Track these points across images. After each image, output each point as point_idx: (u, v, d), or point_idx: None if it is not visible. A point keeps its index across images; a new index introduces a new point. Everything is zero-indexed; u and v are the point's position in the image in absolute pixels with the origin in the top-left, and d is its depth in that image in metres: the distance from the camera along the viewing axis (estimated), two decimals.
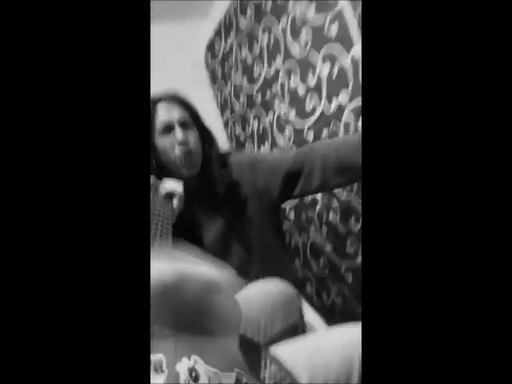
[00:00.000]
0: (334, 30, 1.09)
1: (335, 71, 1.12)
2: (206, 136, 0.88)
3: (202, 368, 0.40)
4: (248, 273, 0.87)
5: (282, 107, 1.39)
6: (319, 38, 1.14)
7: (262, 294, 0.75)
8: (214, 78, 1.80)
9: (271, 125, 1.47)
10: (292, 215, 1.46)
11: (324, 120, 1.20)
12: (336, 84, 1.13)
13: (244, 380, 0.41)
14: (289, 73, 1.31)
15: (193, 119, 0.85)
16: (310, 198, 1.34)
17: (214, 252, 0.84)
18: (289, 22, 1.26)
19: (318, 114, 1.22)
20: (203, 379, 0.38)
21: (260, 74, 1.46)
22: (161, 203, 0.72)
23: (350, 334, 0.53)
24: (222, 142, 1.80)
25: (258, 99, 1.51)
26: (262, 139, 1.55)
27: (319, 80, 1.18)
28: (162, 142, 0.82)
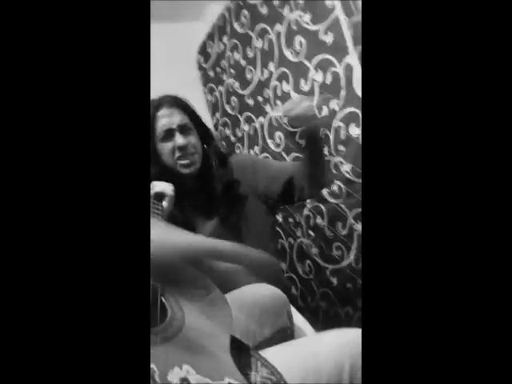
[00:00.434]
0: (328, 38, 1.11)
1: (328, 78, 1.14)
2: (205, 136, 0.91)
3: (194, 377, 0.40)
4: (238, 267, 0.89)
5: (275, 110, 1.40)
6: (314, 45, 1.17)
7: (251, 299, 0.76)
8: (205, 80, 1.81)
9: (262, 128, 1.49)
10: (280, 218, 1.47)
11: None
12: (329, 90, 1.15)
13: None
14: (281, 78, 1.33)
15: (193, 121, 0.88)
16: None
17: None
18: (284, 29, 1.28)
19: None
20: None
21: (252, 78, 1.48)
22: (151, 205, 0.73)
23: (342, 339, 0.54)
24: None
25: (250, 102, 1.52)
26: (252, 142, 1.56)
27: (312, 86, 1.20)
28: (162, 146, 0.86)
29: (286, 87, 1.32)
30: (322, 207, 1.25)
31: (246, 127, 1.59)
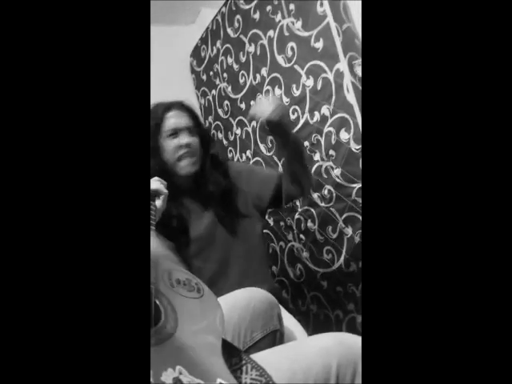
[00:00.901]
0: (319, 44, 1.13)
1: (319, 84, 1.16)
2: (206, 141, 0.98)
3: (186, 379, 0.40)
4: (229, 268, 0.93)
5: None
6: (305, 52, 1.18)
7: (242, 302, 0.76)
8: (198, 84, 1.81)
9: (254, 132, 1.50)
10: (271, 222, 1.48)
11: (307, 129, 1.23)
12: (320, 96, 1.17)
13: None
14: (273, 83, 1.35)
15: (196, 126, 0.97)
16: (289, 205, 1.37)
17: (200, 244, 0.92)
18: (276, 34, 1.30)
19: (300, 124, 1.26)
20: None
21: (245, 82, 1.49)
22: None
23: (330, 340, 0.55)
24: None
25: (243, 106, 1.53)
26: (244, 146, 1.57)
27: (303, 92, 1.22)
28: (168, 143, 0.93)
29: (278, 92, 1.33)
30: (313, 211, 1.26)
31: (238, 131, 1.59)
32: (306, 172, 0.98)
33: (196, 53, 1.79)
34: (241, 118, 1.56)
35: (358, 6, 1.10)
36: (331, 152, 1.16)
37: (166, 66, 1.62)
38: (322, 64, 1.14)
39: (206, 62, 1.72)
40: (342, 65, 1.07)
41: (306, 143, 1.24)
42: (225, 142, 1.68)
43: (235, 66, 1.53)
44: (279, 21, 1.28)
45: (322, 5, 1.10)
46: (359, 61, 1.07)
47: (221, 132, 1.71)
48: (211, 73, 1.69)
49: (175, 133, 0.92)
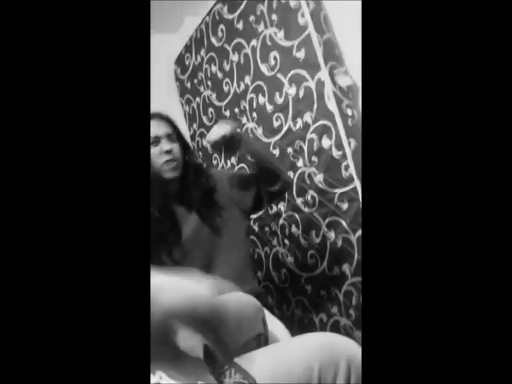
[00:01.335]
0: (301, 54, 1.16)
1: (301, 92, 1.19)
2: (186, 148, 1.05)
3: (166, 382, 0.41)
4: (215, 267, 0.96)
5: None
6: (287, 61, 1.21)
7: (226, 307, 0.77)
8: (182, 91, 1.82)
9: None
10: (256, 227, 1.49)
11: (290, 136, 1.26)
12: (302, 104, 1.19)
13: None
14: (257, 91, 1.37)
15: (175, 133, 1.03)
16: (274, 210, 1.39)
17: (188, 246, 0.96)
18: (259, 44, 1.33)
19: (284, 131, 1.28)
20: None
21: (229, 90, 1.51)
22: None
23: (312, 343, 0.56)
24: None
25: (227, 113, 1.55)
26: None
27: (286, 99, 1.25)
28: (151, 151, 0.99)
29: (262, 100, 1.36)
30: (297, 216, 1.28)
31: None
32: (275, 168, 1.03)
33: (180, 61, 1.80)
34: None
35: (339, 16, 1.13)
36: (314, 158, 1.19)
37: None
38: (304, 73, 1.17)
39: (190, 69, 1.74)
40: (323, 74, 1.11)
41: (290, 150, 1.27)
42: (210, 148, 1.69)
43: (219, 74, 1.55)
44: (262, 31, 1.30)
45: (303, 15, 1.14)
46: (339, 70, 1.11)
47: (205, 139, 1.71)
48: (195, 80, 1.71)
49: (156, 140, 0.98)
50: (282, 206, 1.34)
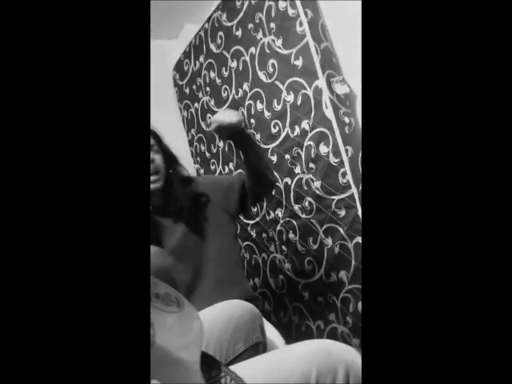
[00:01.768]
0: (299, 62, 1.17)
1: (299, 99, 1.20)
2: (170, 160, 1.02)
3: None
4: (204, 273, 0.96)
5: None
6: (285, 69, 1.22)
7: (223, 315, 0.77)
8: (181, 97, 1.83)
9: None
10: (253, 233, 1.49)
11: (288, 143, 1.27)
12: (300, 111, 1.20)
13: None
14: (255, 98, 1.38)
15: (158, 144, 1.01)
16: (271, 216, 1.39)
17: (176, 256, 0.94)
18: (257, 51, 1.34)
19: (281, 137, 1.29)
20: None
21: (228, 96, 1.52)
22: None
23: (309, 349, 0.56)
24: (188, 161, 1.82)
25: None
26: (226, 160, 1.59)
27: (284, 106, 1.26)
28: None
29: (260, 106, 1.36)
30: (294, 222, 1.29)
31: (220, 144, 1.62)
32: (266, 167, 1.03)
33: (179, 66, 1.81)
34: None
35: (337, 25, 1.15)
36: (311, 165, 1.19)
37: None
38: (302, 81, 1.18)
39: (189, 75, 1.75)
40: (321, 82, 1.12)
41: (287, 156, 1.27)
42: (207, 154, 1.70)
43: (218, 81, 1.56)
44: (260, 38, 1.32)
45: (301, 24, 1.15)
46: (337, 78, 1.12)
47: (203, 145, 1.72)
48: (194, 86, 1.72)
49: None
50: (279, 213, 1.35)
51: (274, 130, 1.32)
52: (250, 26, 1.36)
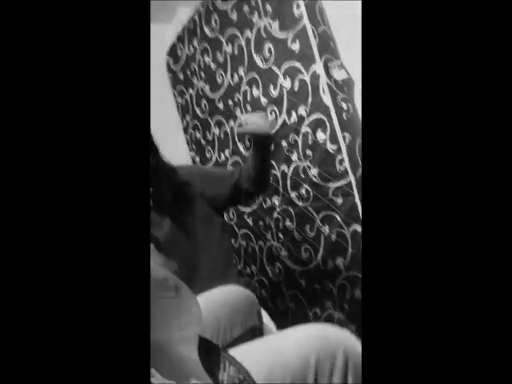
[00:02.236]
0: (296, 46, 1.15)
1: (296, 85, 1.17)
2: (152, 151, 0.96)
3: (159, 381, 0.40)
4: (197, 268, 0.95)
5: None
6: (282, 53, 1.20)
7: (221, 300, 0.77)
8: (175, 82, 1.80)
9: (232, 131, 1.50)
10: (250, 221, 1.49)
11: (285, 130, 1.25)
12: (297, 97, 1.18)
13: None
14: (251, 83, 1.35)
15: None
16: (268, 204, 1.38)
17: (165, 252, 0.93)
18: (253, 35, 1.30)
19: (279, 124, 1.27)
20: None
21: (223, 82, 1.49)
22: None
23: (307, 334, 0.55)
24: (182, 146, 1.80)
25: (221, 106, 1.53)
26: (222, 146, 1.57)
27: (281, 92, 1.23)
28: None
29: (256, 92, 1.34)
30: (291, 210, 1.28)
31: (216, 131, 1.59)
32: (269, 170, 1.02)
33: (172, 51, 1.77)
34: (219, 117, 1.56)
35: (334, 9, 1.12)
36: (308, 152, 1.18)
37: None
38: (299, 65, 1.15)
39: (183, 60, 1.71)
40: (318, 67, 1.09)
41: (284, 143, 1.26)
42: (203, 141, 1.68)
43: (213, 66, 1.53)
44: (256, 21, 1.28)
45: (298, 7, 1.12)
46: (334, 63, 1.09)
47: (199, 131, 1.70)
48: (188, 71, 1.68)
49: None
50: (276, 200, 1.34)
51: (270, 117, 1.30)
52: (246, 8, 1.32)
